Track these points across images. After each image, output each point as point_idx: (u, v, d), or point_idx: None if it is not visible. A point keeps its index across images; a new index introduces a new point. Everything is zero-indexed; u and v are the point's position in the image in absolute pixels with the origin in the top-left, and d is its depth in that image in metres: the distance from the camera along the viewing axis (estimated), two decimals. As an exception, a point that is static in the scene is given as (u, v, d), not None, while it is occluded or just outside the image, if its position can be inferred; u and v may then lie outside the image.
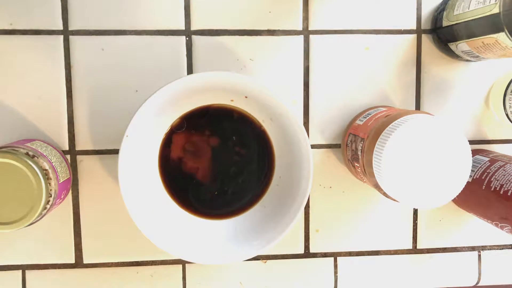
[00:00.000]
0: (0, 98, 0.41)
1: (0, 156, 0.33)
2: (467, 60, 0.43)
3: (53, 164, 0.36)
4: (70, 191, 0.42)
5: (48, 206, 0.34)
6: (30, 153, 0.34)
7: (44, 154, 0.36)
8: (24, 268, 0.42)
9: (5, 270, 0.42)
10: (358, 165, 0.37)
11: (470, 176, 0.41)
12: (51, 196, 0.34)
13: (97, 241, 0.43)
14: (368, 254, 0.46)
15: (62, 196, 0.37)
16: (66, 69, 0.41)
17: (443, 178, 0.32)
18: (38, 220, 0.35)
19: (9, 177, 0.33)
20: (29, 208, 0.33)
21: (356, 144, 0.38)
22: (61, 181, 0.36)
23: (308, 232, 0.45)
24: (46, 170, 0.34)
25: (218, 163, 0.40)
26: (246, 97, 0.38)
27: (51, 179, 0.34)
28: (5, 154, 0.33)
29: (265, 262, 0.45)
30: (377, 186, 0.34)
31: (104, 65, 0.41)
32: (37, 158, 0.34)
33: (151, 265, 0.44)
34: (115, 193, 0.41)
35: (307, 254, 0.45)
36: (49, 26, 0.40)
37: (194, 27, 0.42)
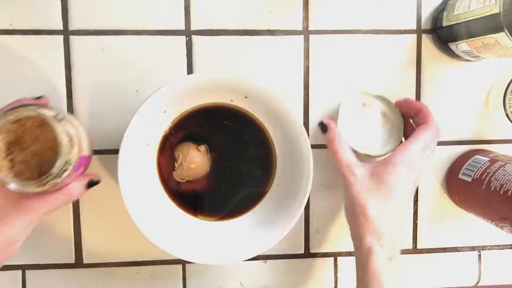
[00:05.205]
0: (0, 98, 0.41)
1: (28, 111, 0.31)
2: (467, 60, 0.43)
3: (79, 134, 0.35)
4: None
5: (67, 170, 0.33)
6: (60, 116, 0.33)
7: (73, 122, 0.34)
8: (24, 268, 0.42)
9: (5, 270, 0.42)
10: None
11: (470, 176, 0.41)
12: (70, 165, 0.33)
13: (97, 241, 0.43)
14: (368, 254, 0.46)
15: (80, 170, 0.36)
16: (66, 69, 0.41)
17: None
18: (56, 182, 0.32)
19: (35, 134, 0.32)
20: (48, 167, 0.32)
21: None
22: (82, 154, 0.35)
23: (308, 232, 0.45)
24: (71, 136, 0.33)
25: (218, 163, 0.40)
26: (246, 97, 0.38)
27: (73, 147, 0.33)
28: (34, 110, 0.31)
29: (265, 262, 0.45)
30: None
31: (104, 65, 0.41)
32: (65, 121, 0.33)
33: (151, 265, 0.44)
34: (115, 193, 0.41)
35: (307, 254, 0.45)
36: (49, 26, 0.40)
37: (194, 27, 0.42)
